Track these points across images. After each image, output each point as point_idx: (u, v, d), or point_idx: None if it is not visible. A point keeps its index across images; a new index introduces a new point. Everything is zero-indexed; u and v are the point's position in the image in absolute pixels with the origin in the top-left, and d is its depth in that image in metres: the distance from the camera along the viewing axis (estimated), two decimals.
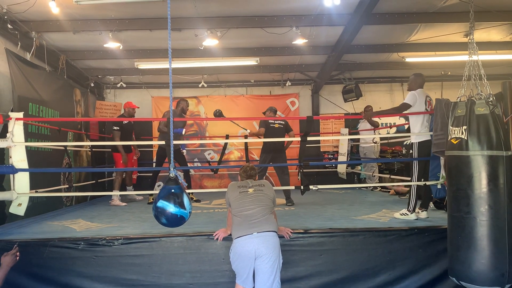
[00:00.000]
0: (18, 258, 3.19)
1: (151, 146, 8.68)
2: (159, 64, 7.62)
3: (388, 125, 9.10)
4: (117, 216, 5.22)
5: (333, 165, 8.87)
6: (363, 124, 8.19)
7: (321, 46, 7.16)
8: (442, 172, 4.33)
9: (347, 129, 8.43)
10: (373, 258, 3.74)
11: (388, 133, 9.05)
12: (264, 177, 6.04)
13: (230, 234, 3.46)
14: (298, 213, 5.06)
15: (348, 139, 8.16)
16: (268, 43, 7.03)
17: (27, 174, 4.15)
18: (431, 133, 4.26)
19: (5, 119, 4.16)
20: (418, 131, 4.49)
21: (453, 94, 3.82)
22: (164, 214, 2.65)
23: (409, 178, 4.78)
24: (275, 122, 6.07)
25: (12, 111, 4.97)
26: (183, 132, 6.24)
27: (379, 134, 8.23)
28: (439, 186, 4.41)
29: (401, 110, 4.51)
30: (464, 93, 3.37)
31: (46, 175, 5.96)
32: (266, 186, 3.53)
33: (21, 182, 4.11)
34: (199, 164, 9.27)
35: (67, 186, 6.53)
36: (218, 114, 6.41)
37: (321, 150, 9.47)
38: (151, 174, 6.63)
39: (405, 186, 6.20)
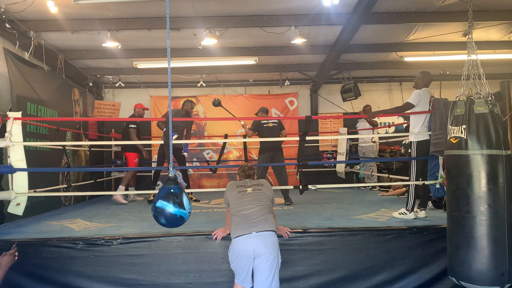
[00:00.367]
0: (16, 258, 3.17)
1: (149, 146, 8.65)
2: (158, 64, 7.61)
3: (387, 124, 9.10)
4: (116, 215, 5.21)
5: (332, 165, 8.86)
6: (362, 124, 8.19)
7: (319, 45, 7.16)
8: (441, 172, 4.33)
9: (345, 129, 8.42)
10: (372, 257, 3.74)
11: (386, 132, 9.04)
12: (264, 178, 6.03)
13: (229, 234, 3.45)
14: (297, 212, 5.06)
15: (347, 138, 8.17)
16: (266, 43, 7.03)
17: (25, 173, 4.15)
18: (430, 132, 4.26)
19: (4, 119, 4.16)
20: (418, 131, 4.47)
21: (452, 93, 3.81)
22: (164, 214, 2.61)
23: (407, 178, 4.77)
24: (269, 121, 6.04)
25: (10, 110, 4.98)
26: (176, 137, 6.18)
27: (378, 133, 8.24)
28: (437, 186, 4.41)
29: (404, 109, 4.50)
30: (463, 92, 3.37)
31: (45, 174, 5.96)
32: (264, 186, 3.53)
33: (20, 182, 4.10)
34: (197, 164, 9.27)
35: (66, 185, 6.52)
36: (217, 103, 6.38)
37: (320, 149, 9.47)
38: (150, 174, 6.62)
39: (404, 185, 6.20)
